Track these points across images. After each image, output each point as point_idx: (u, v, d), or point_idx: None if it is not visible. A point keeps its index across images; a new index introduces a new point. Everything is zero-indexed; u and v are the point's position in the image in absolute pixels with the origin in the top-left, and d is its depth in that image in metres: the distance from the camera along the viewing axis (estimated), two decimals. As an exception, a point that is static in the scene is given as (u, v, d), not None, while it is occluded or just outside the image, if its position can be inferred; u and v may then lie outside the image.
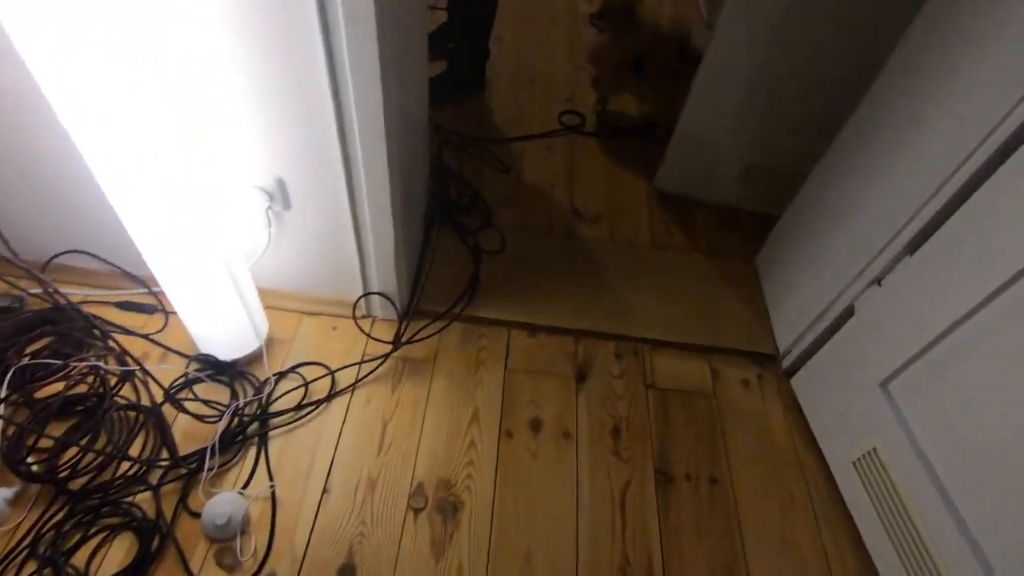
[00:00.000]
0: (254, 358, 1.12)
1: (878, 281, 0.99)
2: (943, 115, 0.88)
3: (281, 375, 1.11)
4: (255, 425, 1.04)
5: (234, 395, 1.06)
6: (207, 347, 1.08)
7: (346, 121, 0.87)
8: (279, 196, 0.99)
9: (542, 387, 1.17)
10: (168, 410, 1.03)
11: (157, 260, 0.91)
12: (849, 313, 1.05)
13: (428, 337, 1.20)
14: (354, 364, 1.14)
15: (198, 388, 1.07)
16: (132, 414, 1.02)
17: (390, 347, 1.16)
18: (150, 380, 1.03)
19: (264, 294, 1.14)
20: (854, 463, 1.02)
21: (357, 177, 0.95)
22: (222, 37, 0.78)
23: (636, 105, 1.82)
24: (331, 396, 1.10)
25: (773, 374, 1.25)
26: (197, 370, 1.09)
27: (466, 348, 1.21)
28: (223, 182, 0.97)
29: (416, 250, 1.29)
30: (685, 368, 1.24)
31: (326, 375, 1.12)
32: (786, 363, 1.24)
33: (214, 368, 1.09)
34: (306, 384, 1.10)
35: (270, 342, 1.16)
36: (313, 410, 1.08)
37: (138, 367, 1.00)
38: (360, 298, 1.17)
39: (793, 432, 1.16)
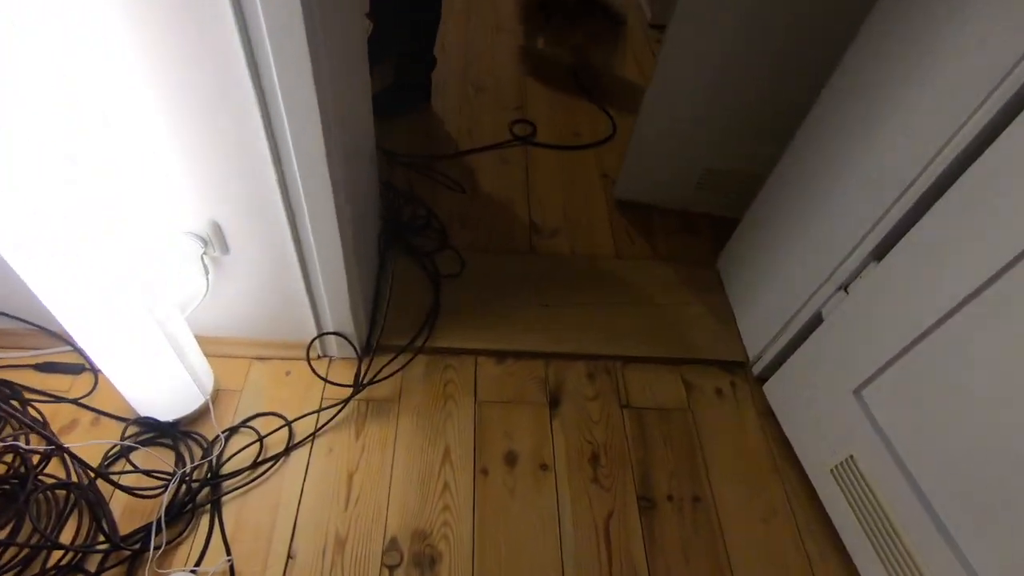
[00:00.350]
0: (200, 414, 1.03)
1: (845, 288, 0.99)
2: (901, 118, 0.87)
3: (232, 431, 1.02)
4: (205, 491, 0.95)
5: (179, 459, 0.97)
6: (144, 409, 0.98)
7: (283, 157, 0.79)
8: (215, 241, 0.90)
9: (515, 417, 1.12)
10: (105, 483, 0.93)
11: (74, 323, 0.81)
12: (817, 319, 1.05)
13: (391, 375, 1.13)
14: (312, 412, 1.06)
15: (137, 456, 0.97)
16: (62, 493, 0.91)
17: (350, 390, 1.08)
18: (79, 454, 0.92)
19: (207, 342, 1.05)
20: (832, 471, 1.01)
21: (300, 215, 0.87)
22: (136, 65, 0.69)
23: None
24: (289, 449, 1.02)
25: (745, 380, 1.24)
26: (134, 435, 0.98)
27: (432, 381, 1.15)
28: (148, 231, 0.87)
29: (371, 282, 1.22)
30: (658, 382, 1.21)
31: (282, 426, 1.03)
32: (756, 369, 1.23)
33: (154, 431, 0.99)
34: (260, 439, 1.01)
35: (217, 394, 1.06)
36: (270, 467, 0.99)
37: (54, 447, 0.88)
38: (314, 340, 1.09)
39: (770, 440, 1.15)
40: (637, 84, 1.95)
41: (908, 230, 0.85)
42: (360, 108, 1.09)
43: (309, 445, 1.03)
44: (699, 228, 1.52)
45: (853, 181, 0.96)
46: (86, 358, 1.06)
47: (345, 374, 1.12)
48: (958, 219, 0.77)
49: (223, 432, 1.01)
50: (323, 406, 1.07)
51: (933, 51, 0.81)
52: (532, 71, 1.90)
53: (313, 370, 1.10)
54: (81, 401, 1.01)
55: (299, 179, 0.81)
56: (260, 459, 0.99)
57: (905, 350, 0.86)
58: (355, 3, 1.02)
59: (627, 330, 1.27)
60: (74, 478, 0.92)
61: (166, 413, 0.99)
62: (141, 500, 0.92)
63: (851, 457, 0.97)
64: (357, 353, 1.12)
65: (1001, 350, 0.73)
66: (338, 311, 1.04)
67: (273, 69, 0.68)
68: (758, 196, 1.25)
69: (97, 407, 1.01)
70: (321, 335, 1.09)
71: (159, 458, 0.97)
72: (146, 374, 0.91)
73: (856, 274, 0.96)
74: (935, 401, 0.83)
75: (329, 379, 1.10)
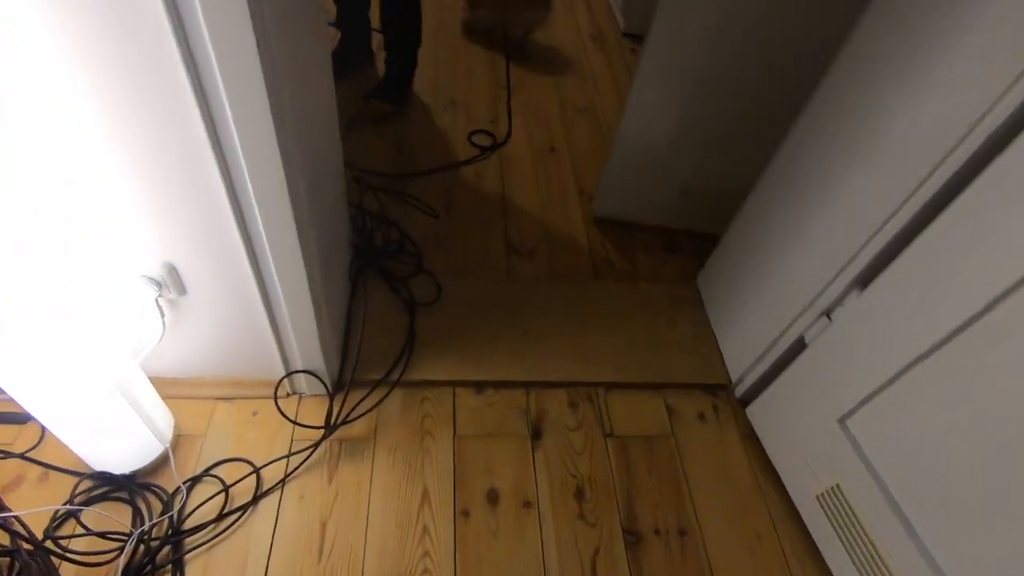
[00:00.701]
0: (159, 464, 0.96)
1: (827, 314, 0.97)
2: (886, 144, 0.86)
3: (194, 480, 0.96)
4: (166, 549, 0.88)
5: (137, 516, 0.90)
6: (97, 463, 0.91)
7: (240, 192, 0.74)
8: (171, 283, 0.83)
9: (495, 452, 1.08)
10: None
11: (9, 379, 0.74)
12: (801, 344, 1.04)
13: (365, 413, 1.08)
14: (282, 457, 1.00)
15: (89, 515, 0.90)
16: (5, 561, 0.83)
17: (322, 431, 1.03)
18: (25, 515, 0.85)
19: (165, 384, 0.98)
20: (818, 498, 1.00)
21: (261, 249, 0.82)
22: (80, 103, 0.63)
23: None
24: (257, 498, 0.96)
25: (727, 403, 1.22)
26: (87, 490, 0.91)
27: (409, 416, 1.10)
28: (95, 277, 0.81)
29: (342, 313, 1.16)
30: (641, 408, 1.19)
31: (250, 474, 0.98)
32: (739, 392, 1.21)
33: (109, 485, 0.92)
34: (226, 488, 0.95)
35: (178, 440, 0.99)
36: (237, 518, 0.93)
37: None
38: (283, 378, 1.03)
39: (753, 464, 1.14)
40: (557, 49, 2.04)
41: (893, 259, 0.84)
42: (325, 128, 1.03)
43: (279, 492, 0.97)
44: (681, 245, 1.50)
45: (834, 205, 0.95)
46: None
47: (316, 413, 1.06)
48: (945, 250, 0.76)
49: (185, 483, 0.94)
50: (293, 449, 1.01)
51: (922, 68, 0.80)
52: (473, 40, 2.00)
53: (281, 411, 1.04)
54: (28, 455, 0.93)
55: (258, 213, 0.76)
56: (226, 510, 0.93)
57: (891, 381, 0.85)
58: (315, 16, 0.96)
59: (608, 354, 1.24)
60: (21, 541, 0.85)
61: (121, 466, 0.92)
62: (95, 561, 0.85)
63: (837, 486, 0.96)
64: (328, 390, 1.07)
65: (989, 381, 0.72)
66: (306, 347, 0.99)
67: (224, 96, 0.63)
68: (738, 215, 1.23)
69: (45, 460, 0.93)
70: (290, 373, 1.03)
71: (114, 518, 0.90)
72: (95, 427, 0.84)
73: (839, 301, 0.95)
74: (923, 432, 0.81)
75: (299, 421, 1.04)
